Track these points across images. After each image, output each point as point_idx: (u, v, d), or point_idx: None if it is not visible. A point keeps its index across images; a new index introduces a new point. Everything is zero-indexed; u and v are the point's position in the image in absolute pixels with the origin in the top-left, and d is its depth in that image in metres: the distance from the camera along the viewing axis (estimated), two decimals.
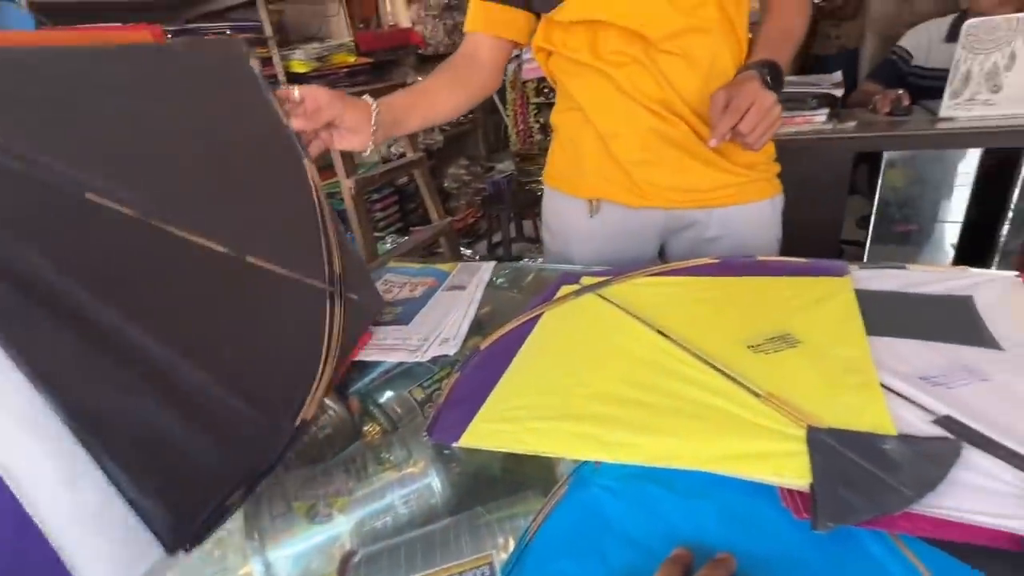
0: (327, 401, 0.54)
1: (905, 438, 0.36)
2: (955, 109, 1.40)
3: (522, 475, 0.45)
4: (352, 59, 2.53)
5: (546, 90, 3.38)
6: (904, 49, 1.73)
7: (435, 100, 0.78)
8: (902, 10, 2.65)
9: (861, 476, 0.34)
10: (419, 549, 0.38)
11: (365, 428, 0.54)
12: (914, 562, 0.31)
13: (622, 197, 0.80)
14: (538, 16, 0.78)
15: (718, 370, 0.46)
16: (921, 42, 1.70)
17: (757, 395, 0.43)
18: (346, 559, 0.39)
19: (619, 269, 0.70)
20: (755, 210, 0.80)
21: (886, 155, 1.44)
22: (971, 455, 0.35)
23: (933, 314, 0.51)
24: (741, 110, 0.61)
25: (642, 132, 0.75)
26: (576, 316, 0.61)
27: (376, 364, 0.61)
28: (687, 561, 0.32)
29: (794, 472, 0.35)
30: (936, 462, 0.34)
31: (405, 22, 3.20)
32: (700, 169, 0.76)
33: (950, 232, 1.49)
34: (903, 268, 0.59)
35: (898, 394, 0.41)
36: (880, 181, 1.48)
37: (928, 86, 1.60)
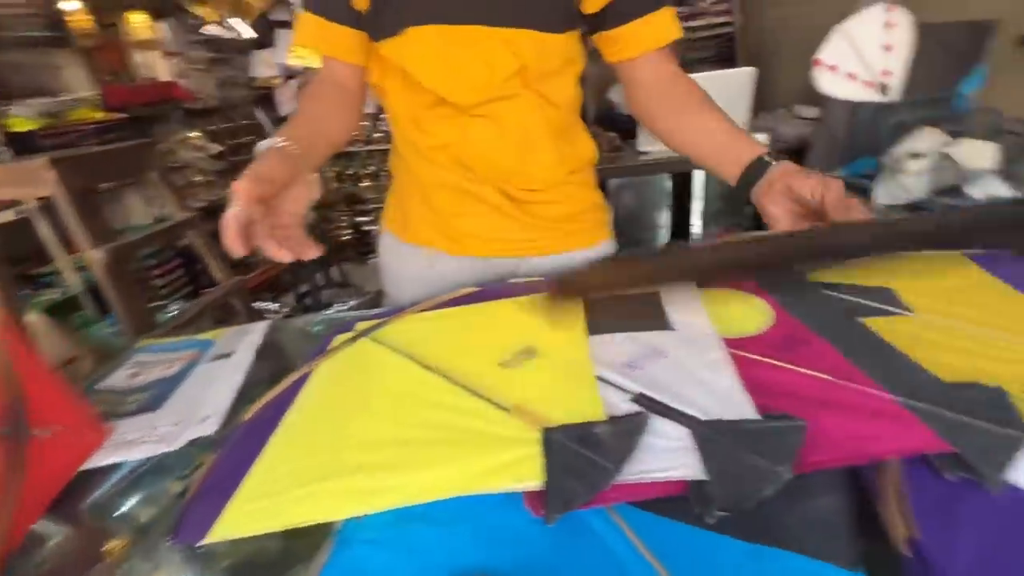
0: (37, 529, 0.41)
1: (610, 419, 0.41)
2: (648, 144, 1.72)
3: (303, 547, 0.39)
4: (99, 114, 2.12)
5: None
6: (611, 100, 2.08)
7: (329, 126, 0.65)
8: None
9: (580, 463, 0.37)
10: None
11: (105, 548, 0.43)
12: (623, 527, 0.34)
13: (443, 245, 0.77)
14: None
15: (471, 392, 0.47)
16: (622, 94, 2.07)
17: (505, 409, 0.44)
18: None
19: (392, 310, 0.68)
20: (577, 257, 0.78)
21: (610, 183, 1.71)
22: (655, 422, 0.41)
23: (631, 309, 0.59)
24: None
25: (450, 187, 0.73)
26: (347, 365, 0.57)
27: (118, 465, 0.49)
28: None
29: (531, 474, 0.37)
30: (630, 435, 0.39)
31: (164, 75, 2.79)
32: (509, 224, 0.74)
33: (663, 236, 1.82)
34: None
35: (609, 382, 0.47)
36: (611, 200, 1.75)
37: (631, 127, 1.95)
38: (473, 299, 0.67)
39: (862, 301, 0.54)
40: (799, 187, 0.54)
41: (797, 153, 1.55)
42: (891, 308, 0.52)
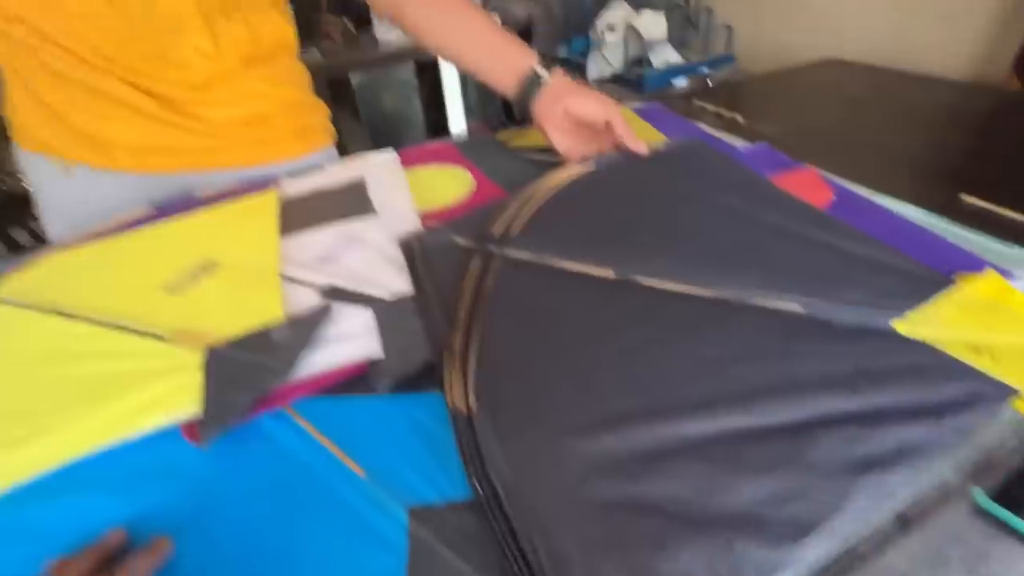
0: None
1: (290, 321, 0.37)
2: (388, 32, 1.57)
3: None
4: None
5: None
6: None
7: None
8: None
9: (247, 371, 0.33)
10: None
11: None
12: (300, 423, 0.32)
13: (81, 155, 0.56)
14: None
15: (123, 329, 0.38)
16: None
17: (162, 339, 0.37)
18: None
19: (24, 260, 0.50)
20: (276, 172, 0.61)
21: (352, 78, 1.54)
22: (342, 311, 0.38)
23: (335, 201, 0.54)
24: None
25: (62, 79, 0.51)
26: None
27: None
28: (113, 545, 0.25)
29: (187, 403, 0.32)
30: (308, 330, 0.36)
31: None
32: (166, 131, 0.56)
33: (421, 136, 1.76)
34: (322, 168, 0.61)
35: (297, 281, 0.42)
36: (358, 100, 1.59)
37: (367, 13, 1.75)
38: (140, 222, 0.53)
39: (552, 160, 0.58)
40: (581, 112, 0.53)
41: (525, 33, 1.60)
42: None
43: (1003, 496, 0.25)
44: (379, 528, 0.26)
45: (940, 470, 0.26)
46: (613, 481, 0.26)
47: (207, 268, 0.44)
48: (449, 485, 0.28)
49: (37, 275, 0.47)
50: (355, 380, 0.34)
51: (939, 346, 0.32)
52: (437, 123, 1.89)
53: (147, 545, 0.25)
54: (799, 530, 0.23)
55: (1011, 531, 0.24)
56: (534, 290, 0.39)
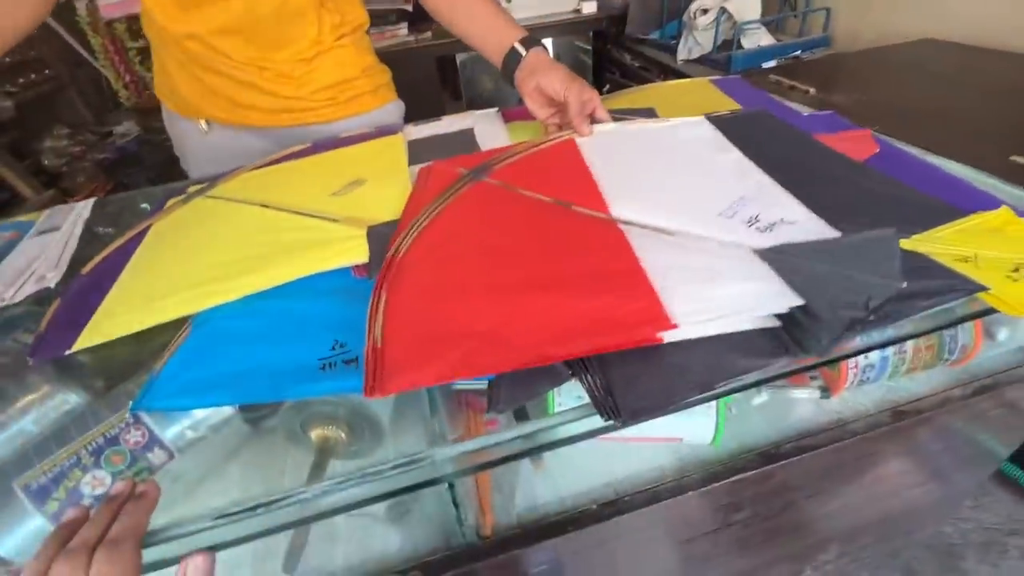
0: None
1: None
2: None
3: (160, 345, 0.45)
4: None
5: (143, 32, 2.71)
6: None
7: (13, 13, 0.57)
8: None
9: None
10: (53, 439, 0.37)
11: None
12: None
13: (221, 115, 0.75)
14: None
15: (307, 215, 0.54)
16: None
17: (336, 220, 0.52)
18: None
19: (221, 173, 0.69)
20: (362, 121, 0.78)
21: (458, 57, 1.69)
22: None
23: (449, 142, 0.67)
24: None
25: (213, 71, 0.68)
26: (186, 218, 0.59)
27: None
28: (78, 521, 0.30)
29: (359, 254, 0.46)
30: None
31: None
32: (286, 95, 0.72)
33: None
34: (440, 119, 0.75)
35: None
36: (461, 79, 1.75)
37: None
38: (305, 152, 0.70)
39: (624, 118, 0.68)
40: (546, 87, 0.61)
41: (622, 19, 1.66)
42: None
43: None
44: None
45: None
46: None
47: (358, 183, 0.60)
48: None
49: (237, 184, 0.65)
50: None
51: (934, 257, 0.38)
52: None
53: (138, 493, 0.31)
54: None
55: None
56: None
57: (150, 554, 0.29)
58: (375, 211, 0.53)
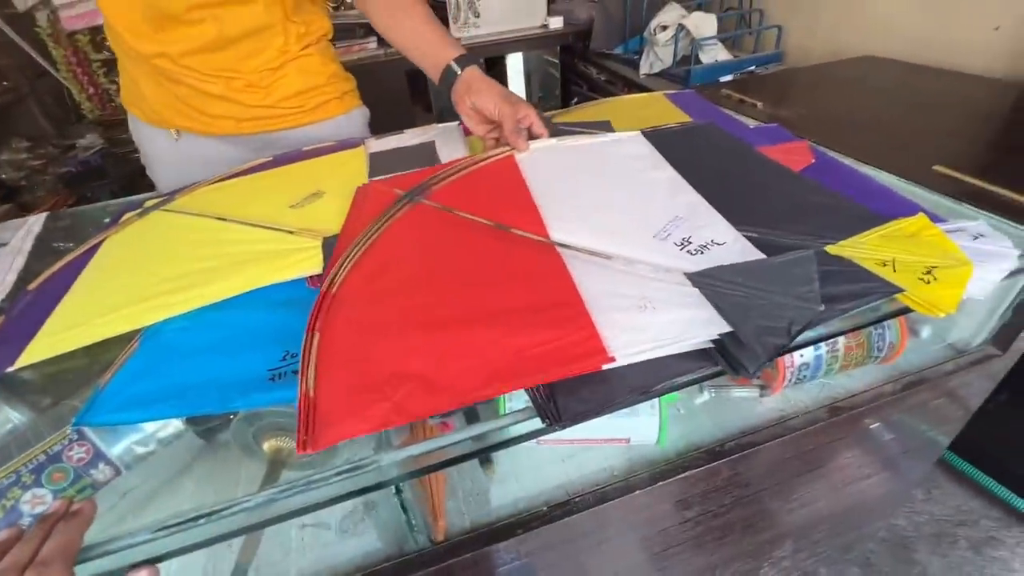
0: None
1: None
2: (457, 32, 1.73)
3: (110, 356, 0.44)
4: None
5: (107, 43, 2.65)
6: None
7: None
8: None
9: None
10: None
11: None
12: None
13: (190, 125, 0.74)
14: None
15: (263, 227, 0.54)
16: None
17: (292, 232, 0.52)
18: None
19: (180, 188, 0.69)
20: (329, 127, 0.79)
21: None
22: None
23: (409, 155, 0.68)
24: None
25: (182, 84, 0.68)
26: (140, 232, 0.59)
27: None
28: (10, 542, 0.29)
29: (313, 266, 0.47)
30: None
31: None
32: (253, 104, 0.72)
33: None
34: (402, 132, 0.77)
35: None
36: (431, 91, 1.76)
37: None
38: (267, 166, 0.70)
39: (586, 132, 0.70)
40: (480, 106, 0.62)
41: (586, 33, 1.70)
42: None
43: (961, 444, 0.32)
44: None
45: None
46: None
47: (317, 195, 0.60)
48: None
49: (195, 197, 0.65)
50: None
51: (856, 261, 0.41)
52: None
53: (72, 512, 0.30)
54: None
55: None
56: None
57: (89, 569, 0.29)
58: (332, 223, 0.53)
